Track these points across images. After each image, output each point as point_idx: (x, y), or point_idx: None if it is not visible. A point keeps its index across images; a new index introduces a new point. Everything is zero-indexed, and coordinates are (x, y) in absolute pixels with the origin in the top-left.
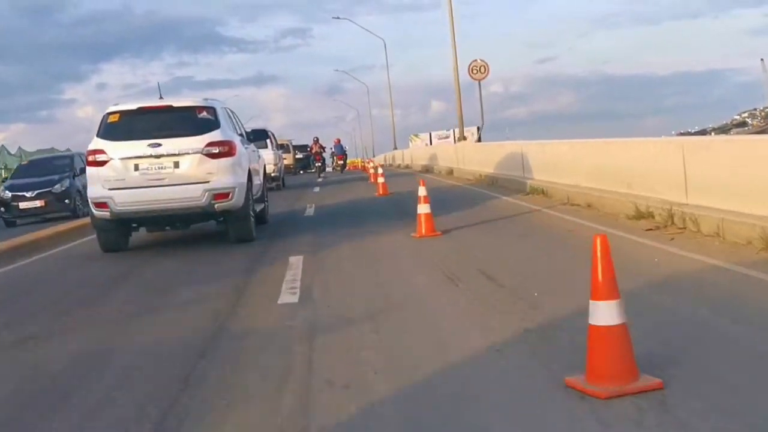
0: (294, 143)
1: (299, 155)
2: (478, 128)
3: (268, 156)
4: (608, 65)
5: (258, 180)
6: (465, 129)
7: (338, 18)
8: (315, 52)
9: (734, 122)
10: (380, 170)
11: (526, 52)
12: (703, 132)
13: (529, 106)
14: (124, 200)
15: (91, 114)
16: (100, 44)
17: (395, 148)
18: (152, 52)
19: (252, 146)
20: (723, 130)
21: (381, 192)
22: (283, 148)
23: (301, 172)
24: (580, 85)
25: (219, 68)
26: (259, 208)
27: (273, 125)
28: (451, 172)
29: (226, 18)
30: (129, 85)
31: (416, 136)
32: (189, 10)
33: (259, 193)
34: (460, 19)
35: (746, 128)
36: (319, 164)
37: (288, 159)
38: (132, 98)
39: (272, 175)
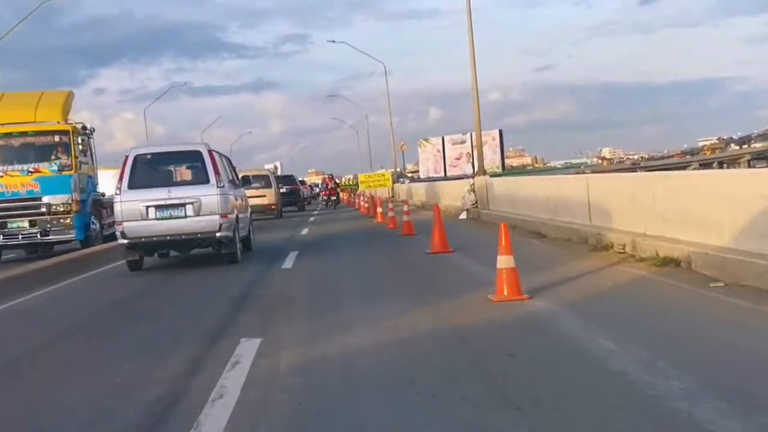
0: (279, 173)
1: (284, 189)
2: (500, 132)
3: (208, 201)
4: (607, 73)
5: None
6: (485, 132)
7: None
8: (314, 59)
9: None
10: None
11: (525, 60)
12: (747, 138)
13: (527, 113)
14: None
15: (87, 119)
16: (99, 49)
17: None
18: (151, 58)
19: None
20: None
21: None
22: (259, 181)
23: (300, 206)
24: (579, 93)
25: (218, 74)
26: None
27: (270, 132)
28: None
29: (225, 24)
30: (126, 91)
31: (426, 140)
32: (189, 16)
33: None
34: (457, 27)
35: None
36: (334, 198)
37: (268, 197)
38: (128, 104)
39: (218, 235)
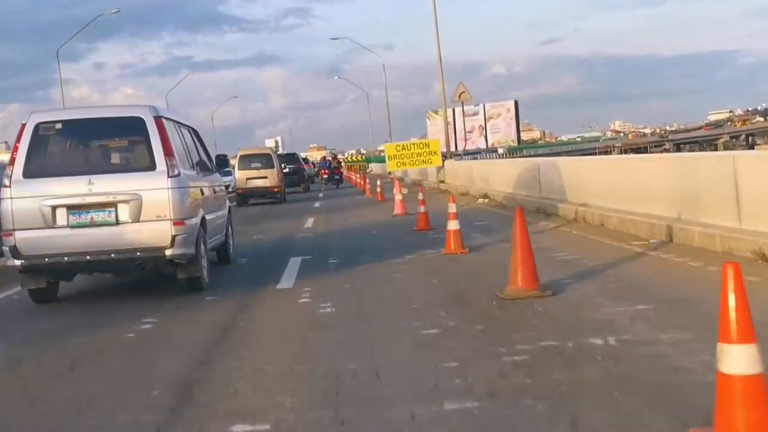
0: (280, 149)
1: (287, 169)
2: (516, 103)
3: (154, 198)
4: (612, 47)
5: None
6: (498, 104)
7: None
8: (316, 33)
9: None
10: None
11: (530, 33)
12: None
13: (532, 87)
14: None
15: (86, 94)
16: (99, 22)
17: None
18: (151, 32)
19: None
20: None
21: None
22: (260, 161)
23: (304, 187)
24: (584, 67)
25: (219, 48)
26: None
27: (271, 107)
28: None
29: None
30: (126, 65)
31: (435, 112)
32: None
33: None
34: (463, 0)
35: None
36: (337, 177)
37: (270, 179)
38: (128, 78)
39: (168, 253)
